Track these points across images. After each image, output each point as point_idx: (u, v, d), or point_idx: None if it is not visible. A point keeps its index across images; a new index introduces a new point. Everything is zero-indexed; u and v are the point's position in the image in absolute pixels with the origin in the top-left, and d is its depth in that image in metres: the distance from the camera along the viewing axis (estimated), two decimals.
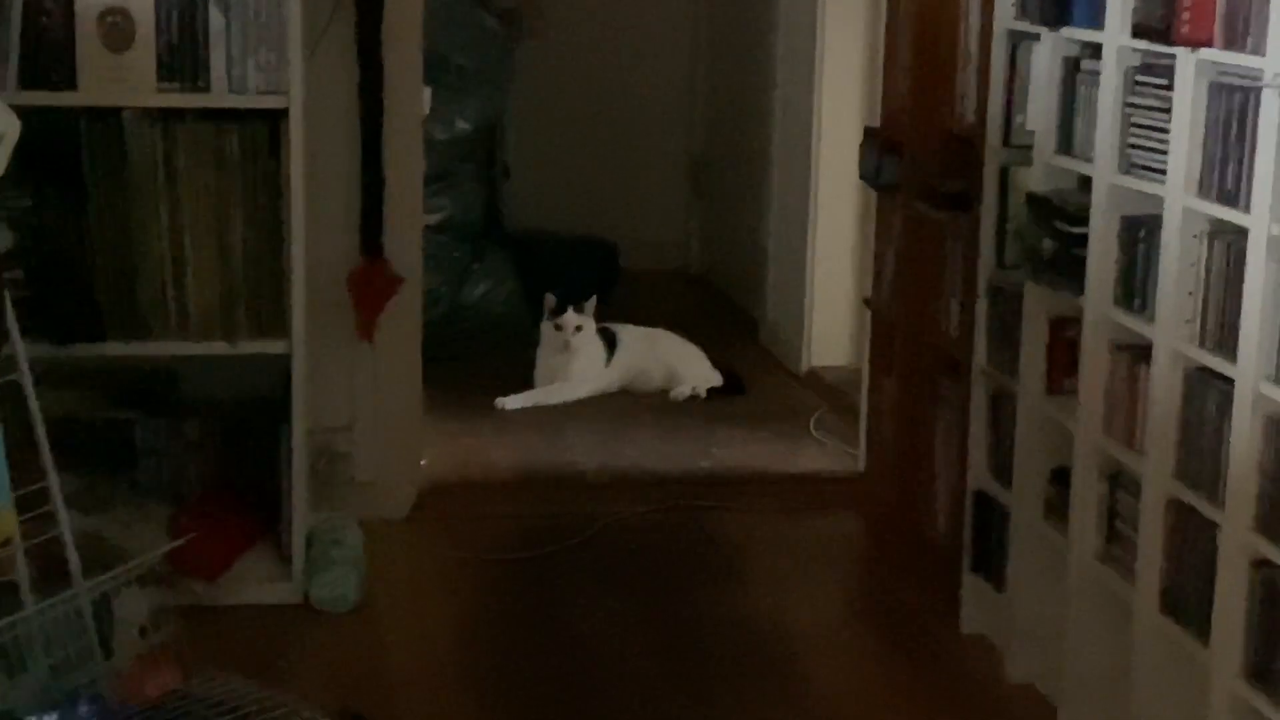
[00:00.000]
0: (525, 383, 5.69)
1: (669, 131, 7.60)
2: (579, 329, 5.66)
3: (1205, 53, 2.95)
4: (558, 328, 5.66)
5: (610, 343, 5.78)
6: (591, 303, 5.73)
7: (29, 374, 3.26)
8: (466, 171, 6.26)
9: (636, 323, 5.98)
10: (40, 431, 3.28)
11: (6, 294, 3.22)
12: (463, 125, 6.12)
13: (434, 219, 5.64)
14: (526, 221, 6.95)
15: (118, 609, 3.39)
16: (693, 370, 5.80)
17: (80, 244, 3.87)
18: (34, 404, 3.26)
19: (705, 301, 7.16)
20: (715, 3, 7.43)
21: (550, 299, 5.70)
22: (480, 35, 6.20)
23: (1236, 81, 2.90)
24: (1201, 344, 3.03)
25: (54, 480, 3.28)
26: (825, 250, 5.92)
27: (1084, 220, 3.36)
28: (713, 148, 7.52)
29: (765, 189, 6.48)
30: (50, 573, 3.32)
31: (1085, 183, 3.41)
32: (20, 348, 3.24)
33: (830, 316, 5.93)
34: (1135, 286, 3.24)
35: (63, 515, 3.29)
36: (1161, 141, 3.11)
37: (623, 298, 6.62)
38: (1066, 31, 3.44)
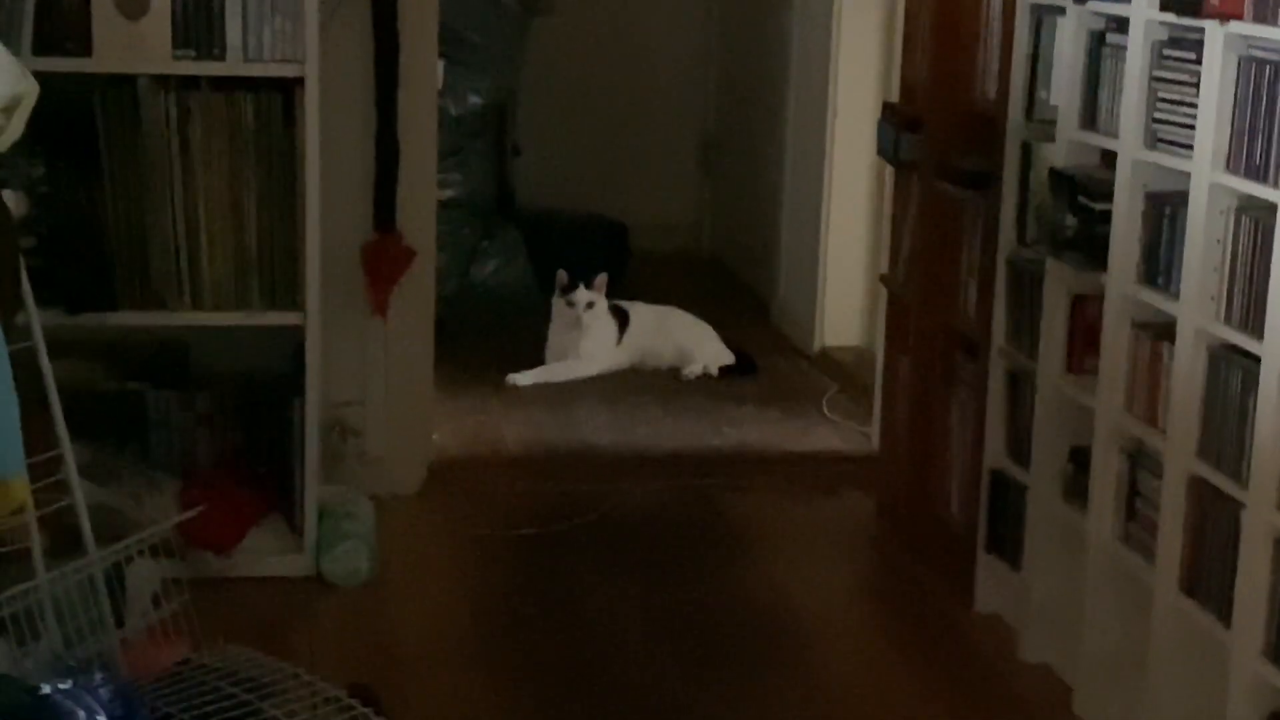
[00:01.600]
0: (536, 359, 5.67)
1: (682, 110, 7.56)
2: (590, 305, 5.64)
3: (1235, 26, 2.92)
4: (569, 304, 5.63)
5: (622, 320, 5.76)
6: (602, 279, 5.70)
7: (43, 343, 3.23)
8: (478, 148, 6.23)
9: (648, 302, 5.95)
10: (54, 400, 3.25)
11: (22, 261, 3.19)
12: (475, 101, 6.10)
13: (445, 195, 5.61)
14: (537, 199, 6.92)
15: (130, 579, 3.38)
16: (704, 349, 5.78)
17: (93, 212, 3.84)
18: (48, 373, 3.24)
19: (716, 281, 7.13)
20: None
21: (562, 275, 5.68)
22: (494, 11, 6.17)
23: (1266, 55, 2.87)
24: (1227, 321, 3.00)
25: (68, 449, 3.26)
26: (838, 229, 5.89)
27: (1107, 197, 3.33)
28: (725, 126, 7.49)
29: (778, 168, 6.45)
30: (62, 542, 3.30)
31: (1109, 159, 3.38)
32: (35, 316, 3.22)
33: (842, 296, 5.90)
34: (1159, 264, 3.22)
35: (76, 484, 3.27)
36: (1189, 116, 3.08)
37: (634, 277, 6.59)
38: (1092, 5, 3.40)
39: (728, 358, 5.78)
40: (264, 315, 3.94)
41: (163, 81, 3.82)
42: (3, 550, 3.12)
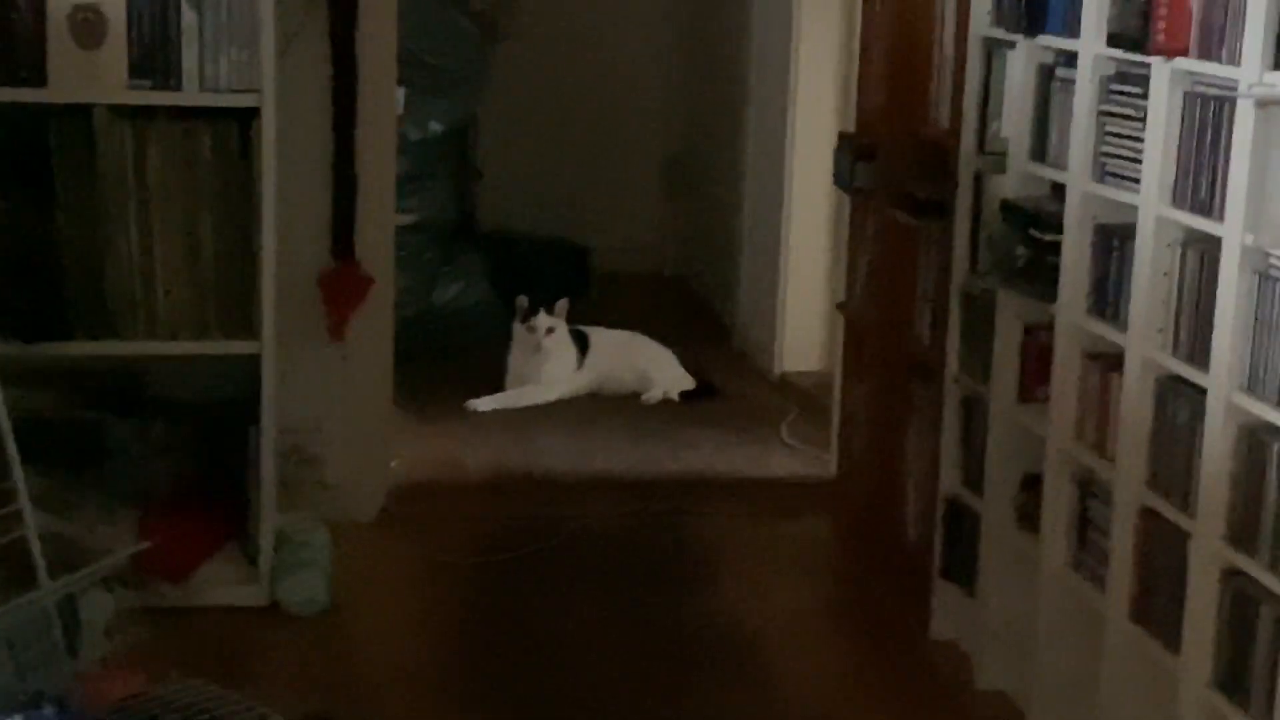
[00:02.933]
0: (496, 385, 5.68)
1: (643, 134, 7.58)
2: (550, 331, 5.65)
3: (1180, 62, 2.95)
4: (530, 330, 5.64)
5: (582, 345, 5.77)
6: (563, 305, 5.72)
7: None
8: (439, 172, 6.24)
9: (609, 325, 5.96)
10: (7, 430, 3.24)
11: None
12: (436, 126, 6.10)
13: (406, 220, 5.61)
14: (499, 223, 6.94)
15: (84, 610, 3.37)
16: (665, 373, 5.79)
17: (49, 242, 3.83)
18: (0, 402, 3.23)
19: (678, 305, 7.15)
20: (691, 6, 7.42)
21: (522, 301, 5.69)
22: (454, 35, 6.18)
23: (1211, 91, 2.90)
24: (1174, 353, 3.03)
25: (20, 480, 3.25)
26: (798, 255, 5.92)
27: (1057, 228, 3.36)
28: (687, 151, 7.51)
29: (739, 193, 6.47)
30: (14, 573, 3.29)
31: (1059, 190, 3.41)
32: None
33: (803, 321, 5.93)
34: (1108, 295, 3.24)
35: (29, 515, 3.26)
36: (1136, 150, 3.11)
37: (596, 300, 6.61)
38: (1042, 39, 3.44)
39: (688, 383, 5.79)
40: (220, 344, 3.94)
41: (119, 111, 3.82)
42: None
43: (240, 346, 3.93)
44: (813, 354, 5.93)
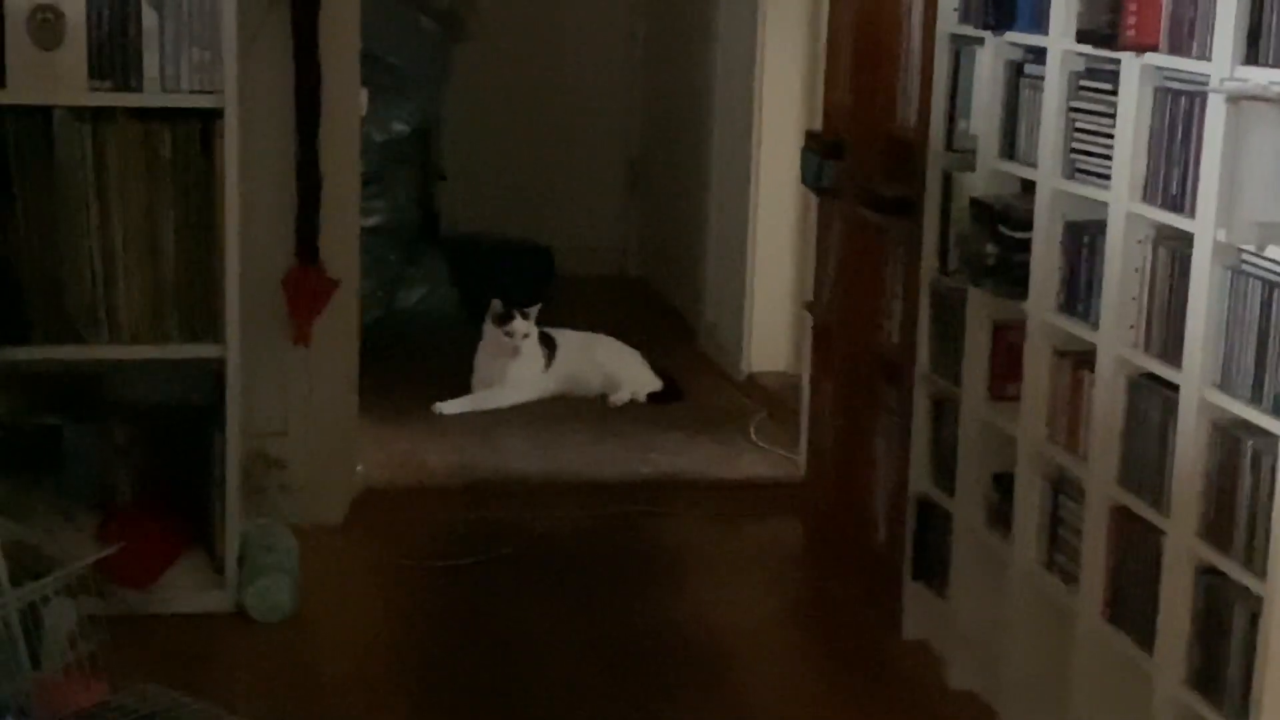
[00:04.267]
0: (462, 387, 5.64)
1: (607, 135, 7.56)
2: (526, 335, 5.63)
3: (1150, 57, 2.95)
4: (508, 334, 5.60)
5: (549, 347, 5.74)
6: (535, 308, 5.69)
7: None
8: (402, 174, 6.21)
9: (574, 327, 5.93)
10: None
11: None
12: (399, 127, 6.07)
13: (369, 222, 5.58)
14: (462, 225, 6.90)
15: (46, 619, 3.32)
16: (631, 375, 5.77)
17: (6, 244, 3.79)
18: None
19: (643, 306, 7.13)
20: (655, 5, 7.40)
21: (497, 304, 5.65)
22: (416, 36, 6.16)
23: (1182, 86, 2.89)
24: (1145, 350, 3.02)
25: None
26: (765, 254, 5.90)
27: (1027, 226, 3.35)
28: (650, 150, 7.49)
29: (704, 192, 6.45)
30: None
31: (1029, 188, 3.40)
32: None
33: (770, 321, 5.91)
34: (1079, 292, 3.23)
35: None
36: (1106, 147, 3.10)
37: (559, 302, 6.57)
38: (1010, 35, 3.43)
39: (655, 384, 5.77)
40: (183, 348, 3.90)
41: (78, 113, 3.77)
42: None
43: (203, 350, 3.89)
44: (780, 355, 5.91)
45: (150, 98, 3.78)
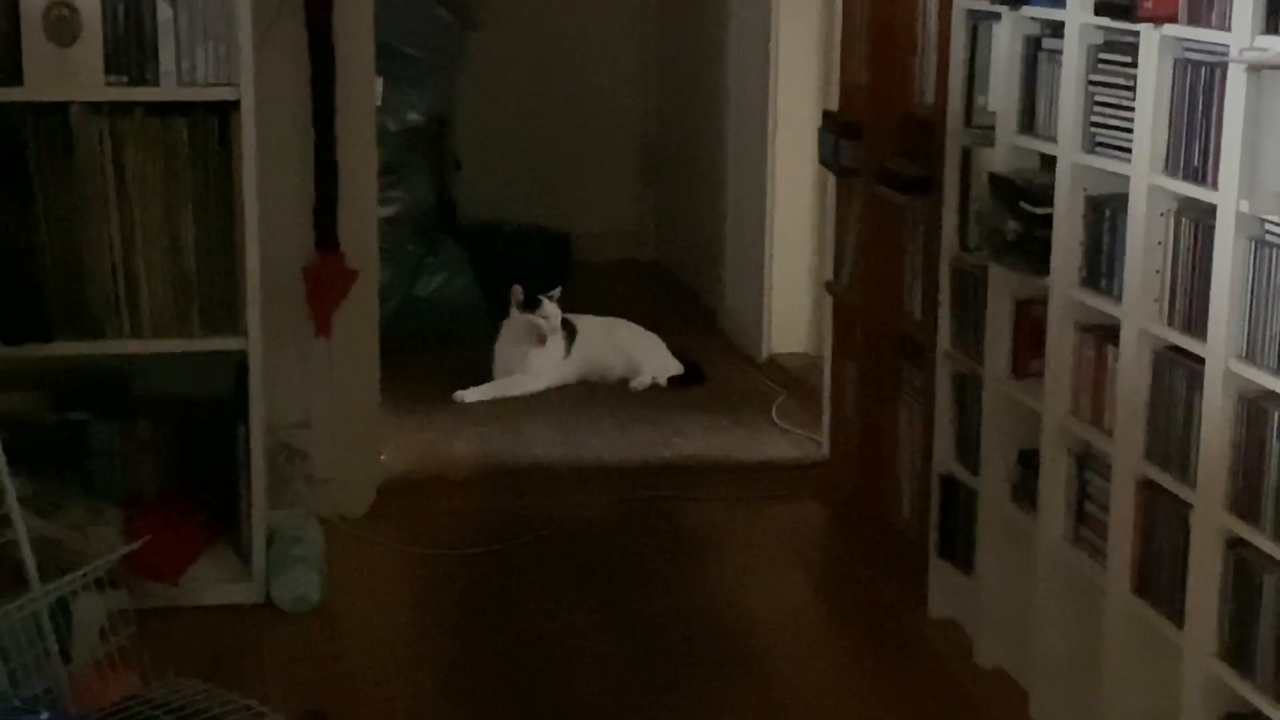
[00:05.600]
0: (483, 375, 5.64)
1: (621, 119, 7.55)
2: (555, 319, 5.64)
3: (1169, 29, 2.93)
4: (542, 317, 5.59)
5: (569, 333, 5.74)
6: (557, 291, 5.69)
7: None
8: (418, 163, 6.20)
9: (593, 312, 5.93)
10: None
11: None
12: (414, 117, 6.06)
13: (387, 212, 5.58)
14: (479, 213, 6.90)
15: (76, 613, 3.33)
16: (652, 359, 5.77)
17: (27, 242, 3.79)
18: None
19: (662, 290, 7.12)
20: None
21: (518, 291, 5.64)
22: (430, 25, 6.14)
23: (1202, 57, 2.88)
24: (1170, 323, 3.01)
25: (9, 485, 3.21)
26: (783, 235, 5.90)
27: (1048, 201, 3.34)
28: (666, 133, 7.48)
29: (720, 174, 6.44)
30: (6, 578, 3.25)
31: (1049, 163, 3.38)
32: None
33: (789, 303, 5.91)
34: (1101, 266, 3.22)
35: (18, 520, 3.22)
36: (1126, 119, 3.08)
37: (578, 288, 6.56)
38: (1027, 10, 3.41)
39: (676, 368, 5.77)
40: (205, 341, 3.90)
41: (95, 108, 3.78)
42: None
43: (225, 343, 3.90)
44: (800, 335, 5.91)
45: (167, 92, 3.79)
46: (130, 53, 3.76)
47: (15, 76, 3.70)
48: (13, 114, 3.73)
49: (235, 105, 3.80)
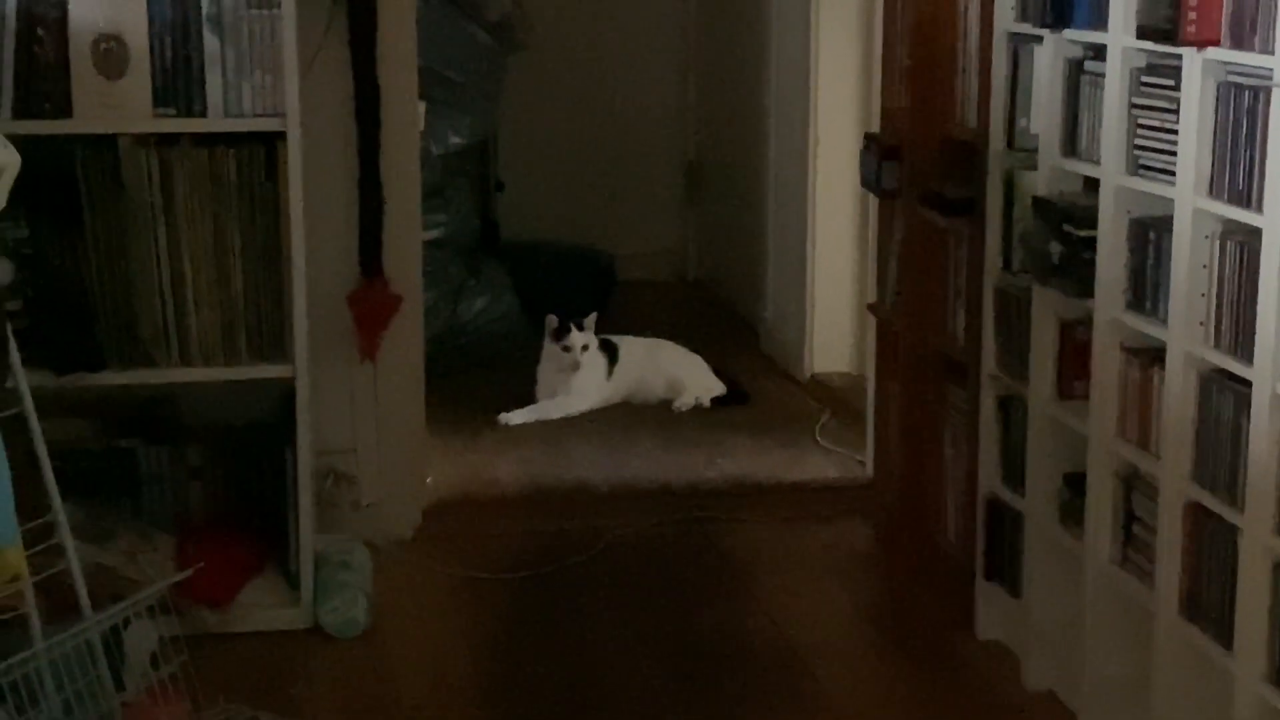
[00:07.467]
0: (527, 397, 5.66)
1: (663, 140, 7.57)
2: (585, 348, 5.64)
3: (1212, 52, 2.93)
4: (566, 349, 5.61)
5: (611, 355, 5.75)
6: (592, 318, 5.70)
7: (33, 407, 3.22)
8: (461, 186, 6.23)
9: (635, 333, 5.95)
10: (45, 463, 3.24)
11: (9, 328, 3.18)
12: (456, 140, 6.09)
13: (430, 235, 5.60)
14: (522, 234, 6.92)
15: (128, 640, 3.37)
16: (695, 380, 5.77)
17: (78, 273, 3.83)
18: (39, 435, 3.23)
19: (704, 310, 7.13)
20: (708, 9, 7.40)
21: (552, 320, 5.65)
22: (471, 48, 6.17)
23: (1245, 80, 2.87)
24: (1216, 345, 3.00)
25: (60, 513, 3.25)
26: (825, 255, 5.90)
27: (1092, 223, 3.34)
28: (708, 155, 7.49)
29: (762, 195, 6.45)
30: (59, 606, 3.28)
31: (1092, 185, 3.38)
32: (24, 381, 3.21)
33: (831, 322, 5.91)
34: (1146, 289, 3.22)
35: (70, 549, 3.26)
36: (1169, 142, 3.08)
37: (621, 308, 6.59)
38: (1069, 33, 3.41)
39: (719, 388, 5.77)
40: (253, 368, 3.93)
41: (144, 140, 3.82)
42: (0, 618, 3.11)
43: (273, 370, 3.93)
44: (842, 355, 5.91)
45: (214, 123, 3.82)
46: (178, 85, 3.79)
47: (65, 109, 3.74)
48: (63, 146, 3.76)
49: (281, 135, 3.83)
